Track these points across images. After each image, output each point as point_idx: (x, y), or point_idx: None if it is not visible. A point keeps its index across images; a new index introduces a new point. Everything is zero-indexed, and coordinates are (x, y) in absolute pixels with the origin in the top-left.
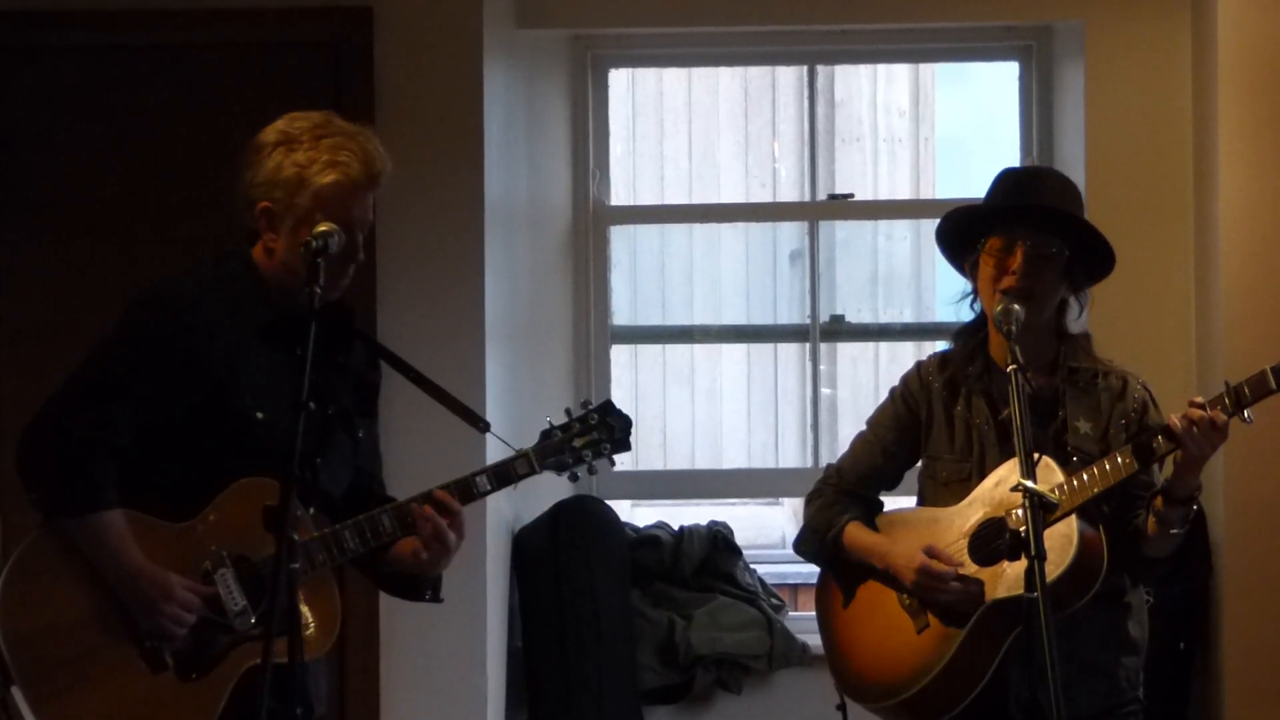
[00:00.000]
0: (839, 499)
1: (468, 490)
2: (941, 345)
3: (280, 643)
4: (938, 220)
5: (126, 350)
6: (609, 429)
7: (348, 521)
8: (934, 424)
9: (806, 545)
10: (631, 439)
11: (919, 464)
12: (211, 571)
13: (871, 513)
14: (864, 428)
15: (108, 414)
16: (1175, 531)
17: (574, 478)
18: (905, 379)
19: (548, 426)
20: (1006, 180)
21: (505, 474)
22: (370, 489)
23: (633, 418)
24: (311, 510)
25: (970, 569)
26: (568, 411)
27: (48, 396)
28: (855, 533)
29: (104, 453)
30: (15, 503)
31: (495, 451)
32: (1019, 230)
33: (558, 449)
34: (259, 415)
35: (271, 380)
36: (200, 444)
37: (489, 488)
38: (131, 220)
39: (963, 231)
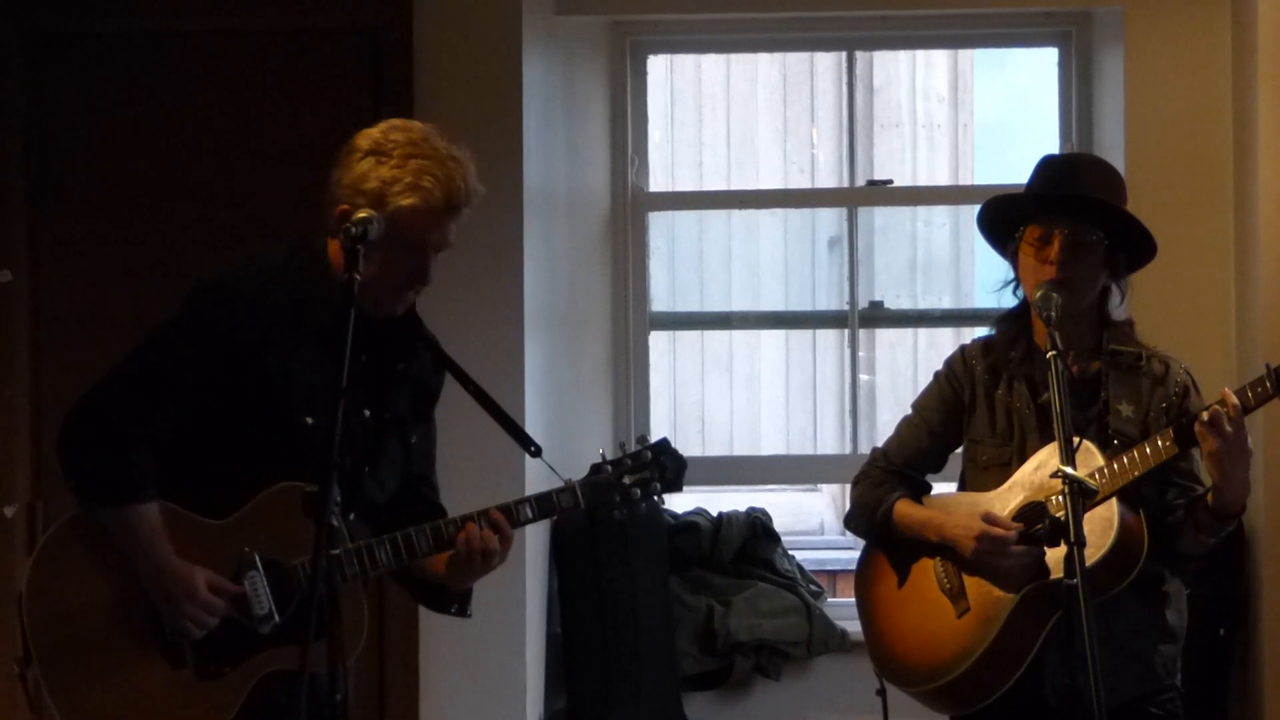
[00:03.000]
0: (888, 478)
1: (510, 516)
2: (981, 331)
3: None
4: (976, 206)
5: (176, 341)
6: (661, 469)
7: (384, 537)
8: (976, 408)
9: (857, 523)
10: (684, 482)
11: (961, 447)
12: (241, 573)
13: (918, 494)
14: (909, 411)
15: (150, 405)
16: (1210, 540)
17: (621, 514)
18: (949, 362)
19: (599, 460)
20: (1046, 168)
21: (549, 505)
22: (417, 491)
23: (685, 460)
24: (352, 516)
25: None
26: (621, 446)
27: (94, 382)
28: (906, 508)
29: (143, 444)
30: (57, 487)
31: (535, 468)
32: (1057, 219)
33: (606, 487)
34: (308, 420)
35: (325, 385)
36: (245, 443)
37: (530, 516)
38: (170, 206)
39: (1002, 219)
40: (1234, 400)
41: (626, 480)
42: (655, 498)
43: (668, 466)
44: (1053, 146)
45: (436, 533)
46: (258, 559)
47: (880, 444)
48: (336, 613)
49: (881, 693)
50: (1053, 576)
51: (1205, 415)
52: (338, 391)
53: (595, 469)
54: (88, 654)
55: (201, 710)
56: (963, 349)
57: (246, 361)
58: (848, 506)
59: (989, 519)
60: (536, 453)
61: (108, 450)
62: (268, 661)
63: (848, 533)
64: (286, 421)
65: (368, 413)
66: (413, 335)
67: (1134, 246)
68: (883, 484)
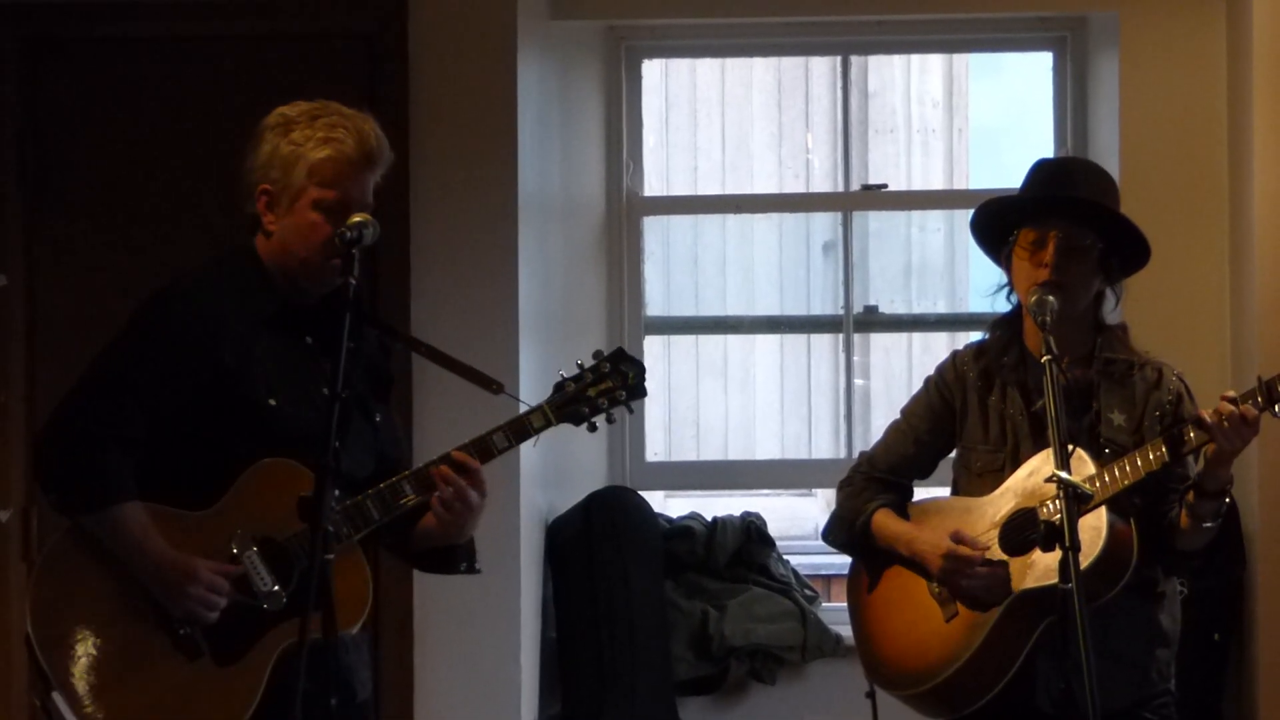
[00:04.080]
0: (868, 486)
1: (485, 449)
2: (975, 336)
3: (315, 621)
4: (971, 211)
5: (133, 345)
6: (623, 376)
7: (369, 491)
8: (968, 414)
9: (835, 534)
10: (647, 384)
11: (953, 454)
12: (238, 554)
13: (902, 500)
14: (898, 416)
15: (117, 408)
16: (1208, 525)
17: (592, 428)
18: (940, 369)
19: (560, 379)
20: (1041, 171)
21: (521, 429)
22: (396, 474)
23: (645, 364)
24: (337, 492)
25: (998, 557)
26: (579, 364)
27: (57, 403)
28: (883, 520)
29: (116, 446)
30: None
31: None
32: (1051, 222)
33: (573, 400)
34: (271, 402)
35: (282, 367)
36: (214, 433)
37: (506, 444)
38: (167, 212)
39: (996, 223)
40: (1229, 409)
41: (591, 393)
42: (625, 407)
43: (629, 373)
44: (1047, 151)
45: (418, 475)
46: (251, 537)
47: (868, 448)
48: (331, 604)
49: (871, 695)
50: (1042, 583)
51: (1209, 417)
52: (333, 396)
53: (558, 387)
54: (105, 663)
55: (227, 698)
56: (954, 355)
57: (201, 356)
58: (829, 515)
59: (957, 537)
60: (498, 390)
61: (81, 457)
62: (282, 637)
63: None
64: (251, 407)
65: (326, 390)
66: (357, 316)
67: (1128, 251)
68: (861, 493)
